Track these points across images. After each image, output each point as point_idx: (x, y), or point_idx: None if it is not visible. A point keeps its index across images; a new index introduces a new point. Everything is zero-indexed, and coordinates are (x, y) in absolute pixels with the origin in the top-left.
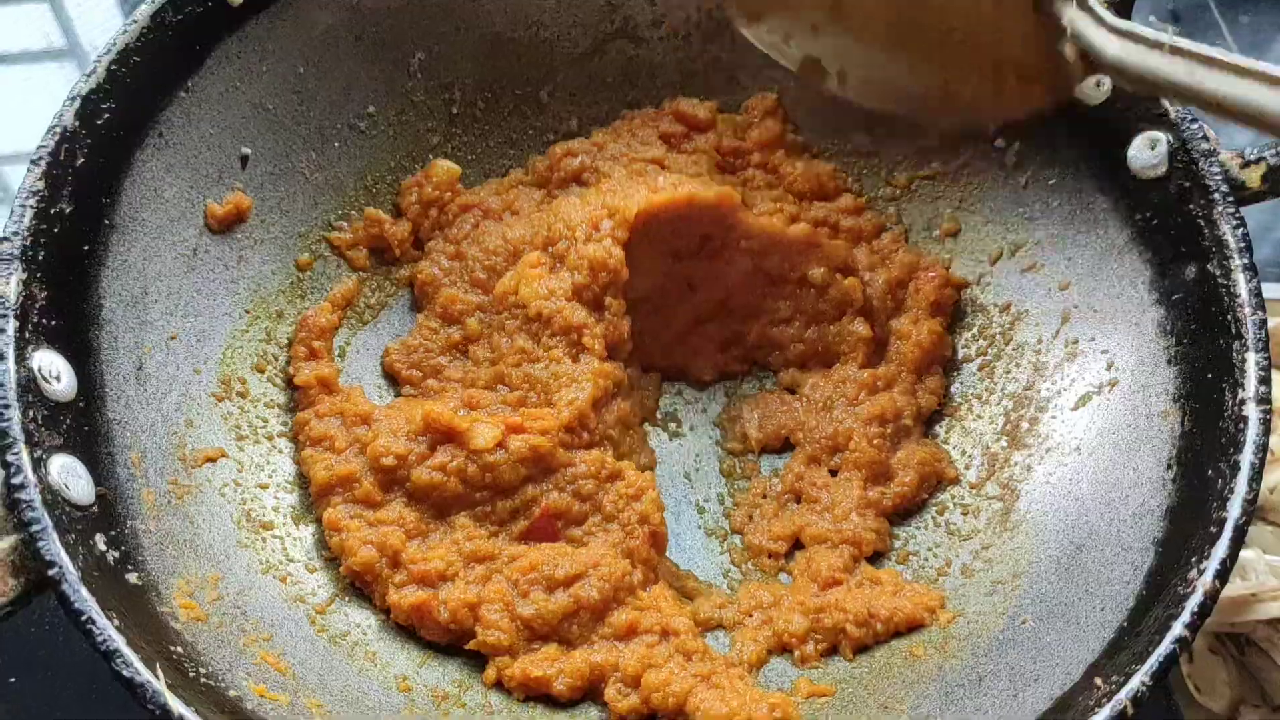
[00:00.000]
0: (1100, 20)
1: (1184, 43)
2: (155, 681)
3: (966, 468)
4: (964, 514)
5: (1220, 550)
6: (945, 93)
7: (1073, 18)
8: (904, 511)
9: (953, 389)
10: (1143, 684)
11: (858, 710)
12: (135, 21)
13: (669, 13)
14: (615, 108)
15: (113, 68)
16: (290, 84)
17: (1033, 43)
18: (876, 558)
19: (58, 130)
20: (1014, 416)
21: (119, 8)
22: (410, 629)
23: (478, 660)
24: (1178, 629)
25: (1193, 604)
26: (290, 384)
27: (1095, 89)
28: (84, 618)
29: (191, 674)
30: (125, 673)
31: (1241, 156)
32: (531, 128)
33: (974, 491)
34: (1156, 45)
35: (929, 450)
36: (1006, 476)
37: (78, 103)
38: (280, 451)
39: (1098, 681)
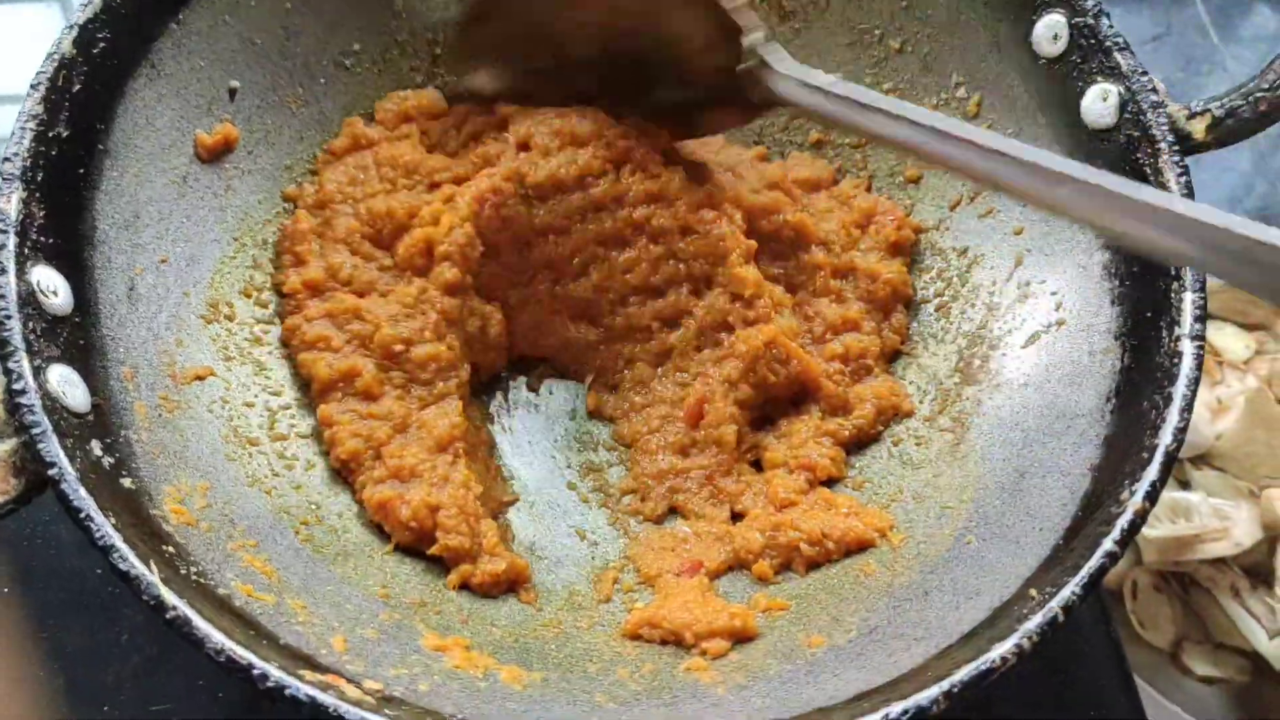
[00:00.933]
0: (771, 69)
1: (842, 88)
2: (150, 575)
3: (921, 402)
4: (917, 445)
5: (1151, 474)
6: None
7: (748, 64)
8: (861, 441)
9: (911, 328)
10: (1074, 594)
11: (810, 622)
12: None
13: None
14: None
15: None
16: (278, 19)
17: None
18: (832, 484)
19: (56, 57)
20: (967, 354)
21: None
22: (385, 535)
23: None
24: (1108, 544)
25: (1123, 522)
26: (280, 295)
27: (1052, 42)
28: (82, 514)
29: (183, 571)
30: (121, 566)
31: (1188, 108)
32: None
33: (927, 424)
34: (818, 90)
35: (887, 385)
36: (958, 410)
37: (75, 31)
38: (266, 370)
39: (1032, 593)
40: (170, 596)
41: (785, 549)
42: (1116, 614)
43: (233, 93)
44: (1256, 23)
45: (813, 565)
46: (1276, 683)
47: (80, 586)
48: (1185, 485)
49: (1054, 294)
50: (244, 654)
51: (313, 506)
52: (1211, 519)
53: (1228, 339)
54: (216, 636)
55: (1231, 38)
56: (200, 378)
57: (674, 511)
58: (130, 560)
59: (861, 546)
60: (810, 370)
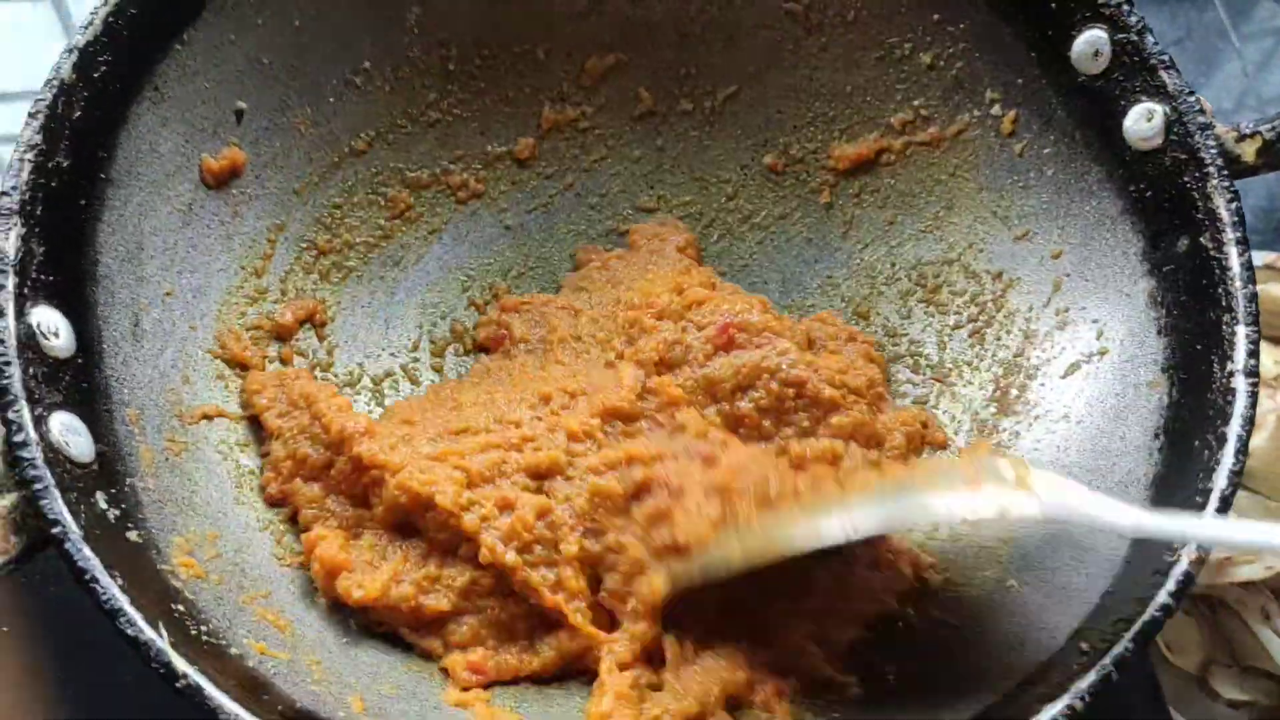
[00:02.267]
0: None
1: None
2: (159, 640)
3: (955, 434)
4: None
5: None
6: None
7: None
8: None
9: (943, 355)
10: (1127, 649)
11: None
12: None
13: None
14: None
15: (109, 20)
16: (286, 38)
17: None
18: None
19: (55, 83)
20: (1003, 383)
21: None
22: None
23: None
24: (1163, 596)
25: (1178, 573)
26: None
27: (1093, 59)
28: (88, 576)
29: (193, 632)
30: (130, 631)
31: (1237, 130)
32: (528, 86)
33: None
34: None
35: (910, 413)
36: (995, 443)
37: (75, 55)
38: None
39: (1083, 645)
40: (181, 663)
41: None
42: None
43: (239, 115)
44: (1262, 17)
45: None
46: None
47: (86, 622)
48: None
49: (1095, 322)
50: None
51: None
52: None
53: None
54: (230, 706)
55: (1253, 43)
56: (208, 417)
57: None
58: (139, 625)
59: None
60: None
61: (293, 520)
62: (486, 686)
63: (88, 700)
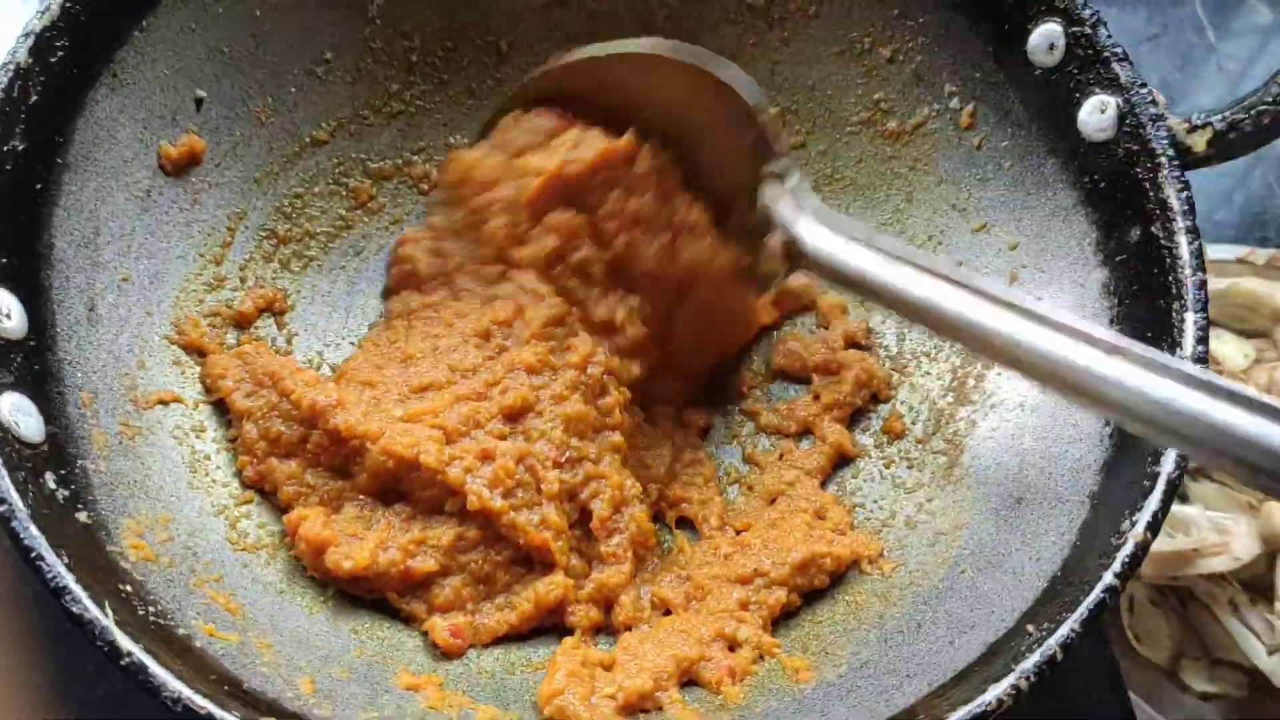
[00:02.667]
0: (804, 210)
1: (883, 240)
2: (103, 619)
3: (913, 423)
4: (910, 467)
5: (1153, 503)
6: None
7: (780, 210)
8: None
9: (903, 346)
10: (1072, 630)
11: (803, 656)
12: None
13: None
14: None
15: (66, 4)
16: (246, 27)
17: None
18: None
19: (11, 67)
20: (961, 373)
21: None
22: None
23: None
24: (1108, 578)
25: (1124, 554)
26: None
27: (1048, 52)
28: (33, 554)
29: (140, 612)
30: (74, 609)
31: (1189, 122)
32: (491, 78)
33: (920, 446)
34: (856, 239)
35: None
36: (952, 431)
37: (31, 39)
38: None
39: (1030, 628)
40: (125, 641)
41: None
42: (1112, 630)
43: (199, 103)
44: (1251, 19)
45: (805, 594)
46: (1275, 698)
47: (46, 612)
48: (1183, 499)
49: None
50: (203, 703)
51: (281, 537)
52: (1210, 533)
53: (1226, 347)
54: (174, 684)
55: (1227, 35)
56: (164, 402)
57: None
58: (84, 603)
59: (843, 568)
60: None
61: (269, 498)
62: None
63: (50, 690)
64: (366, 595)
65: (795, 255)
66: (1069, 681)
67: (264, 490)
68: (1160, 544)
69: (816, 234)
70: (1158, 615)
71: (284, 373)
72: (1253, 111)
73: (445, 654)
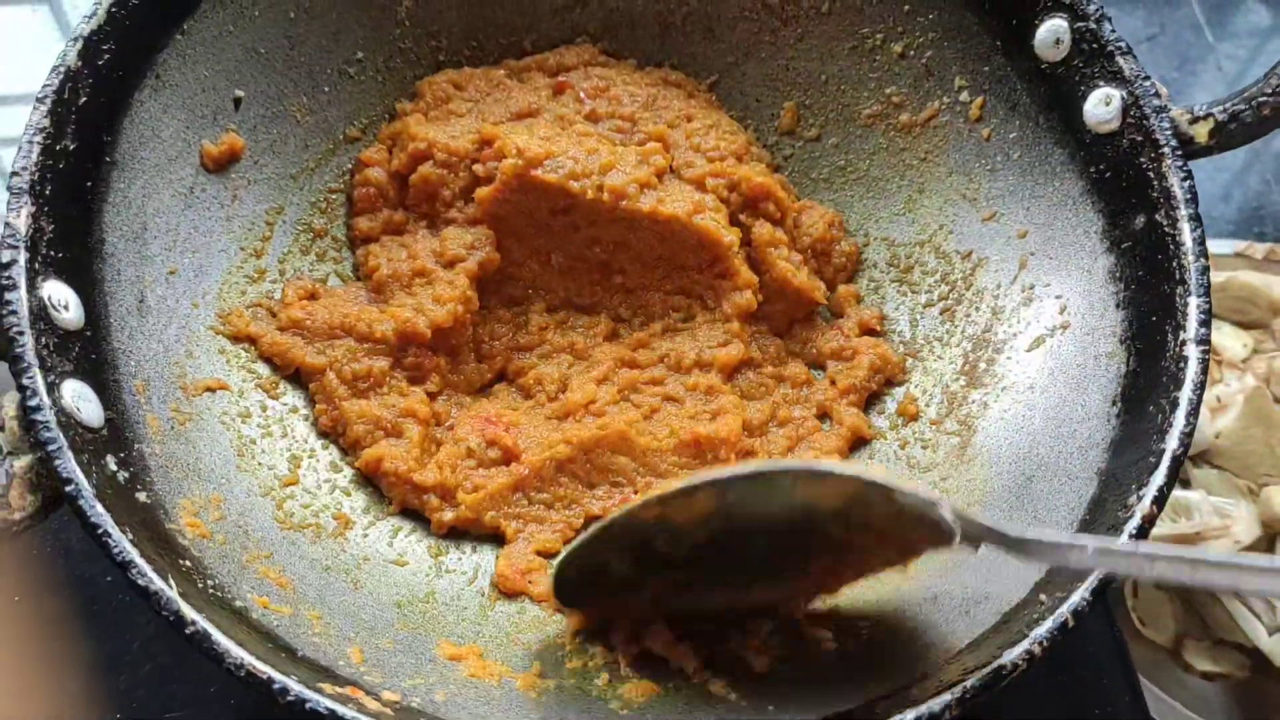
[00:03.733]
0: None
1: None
2: (169, 590)
3: (927, 405)
4: (924, 448)
5: (1158, 479)
6: None
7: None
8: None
9: (916, 332)
10: (1083, 599)
11: (825, 626)
12: None
13: None
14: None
15: (112, 9)
16: (281, 28)
17: None
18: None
19: (61, 70)
20: (972, 357)
21: None
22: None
23: (459, 571)
24: None
25: (1131, 527)
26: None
27: (1054, 46)
28: (100, 531)
29: (200, 585)
30: (140, 582)
31: (1191, 112)
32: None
33: (934, 427)
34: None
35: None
36: (964, 413)
37: (80, 43)
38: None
39: (1042, 597)
40: (190, 611)
41: None
42: (1118, 611)
43: (238, 102)
44: (1251, 19)
45: None
46: (1277, 679)
47: (91, 594)
48: (1185, 484)
49: (1058, 298)
50: (264, 668)
51: (324, 514)
52: (1211, 517)
53: (1226, 338)
54: (236, 651)
55: (1225, 35)
56: (210, 389)
57: None
58: (149, 576)
59: None
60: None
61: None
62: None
63: (96, 668)
64: (451, 514)
65: None
66: (1080, 663)
67: (336, 436)
68: (1163, 528)
69: None
70: (1161, 598)
71: (351, 313)
72: (1253, 103)
73: (504, 589)
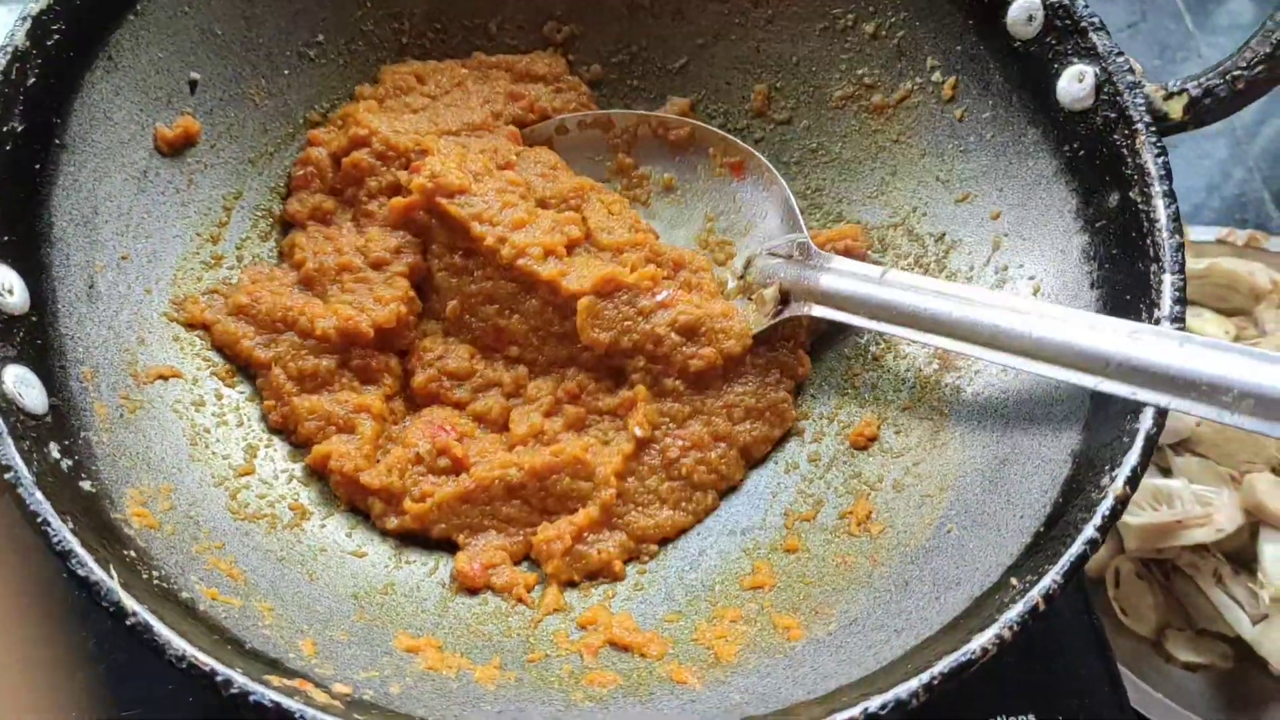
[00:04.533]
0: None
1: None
2: (109, 580)
3: (900, 390)
4: (897, 433)
5: (1132, 459)
6: None
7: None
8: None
9: None
10: (1054, 582)
11: (794, 614)
12: None
13: None
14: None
15: None
16: (239, 9)
17: None
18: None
19: (9, 50)
20: None
21: None
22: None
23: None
24: (1089, 531)
25: (1104, 508)
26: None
27: (1027, 24)
28: (39, 519)
29: (144, 576)
30: (80, 572)
31: (1165, 88)
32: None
33: (907, 412)
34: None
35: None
36: (937, 398)
37: (28, 23)
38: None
39: (1014, 581)
40: (130, 602)
41: None
42: (1098, 602)
43: (193, 85)
44: (1233, 9)
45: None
46: (1259, 669)
47: (47, 592)
48: (1167, 472)
49: (1032, 278)
50: (206, 660)
51: (280, 505)
52: (1193, 505)
53: (1206, 325)
54: (178, 643)
55: (1206, 25)
56: (163, 377)
57: None
58: (89, 565)
59: None
60: None
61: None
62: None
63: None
64: (395, 521)
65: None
66: (1059, 655)
67: (287, 431)
68: (1145, 517)
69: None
70: (1143, 588)
71: (294, 306)
72: (1228, 77)
73: (465, 584)
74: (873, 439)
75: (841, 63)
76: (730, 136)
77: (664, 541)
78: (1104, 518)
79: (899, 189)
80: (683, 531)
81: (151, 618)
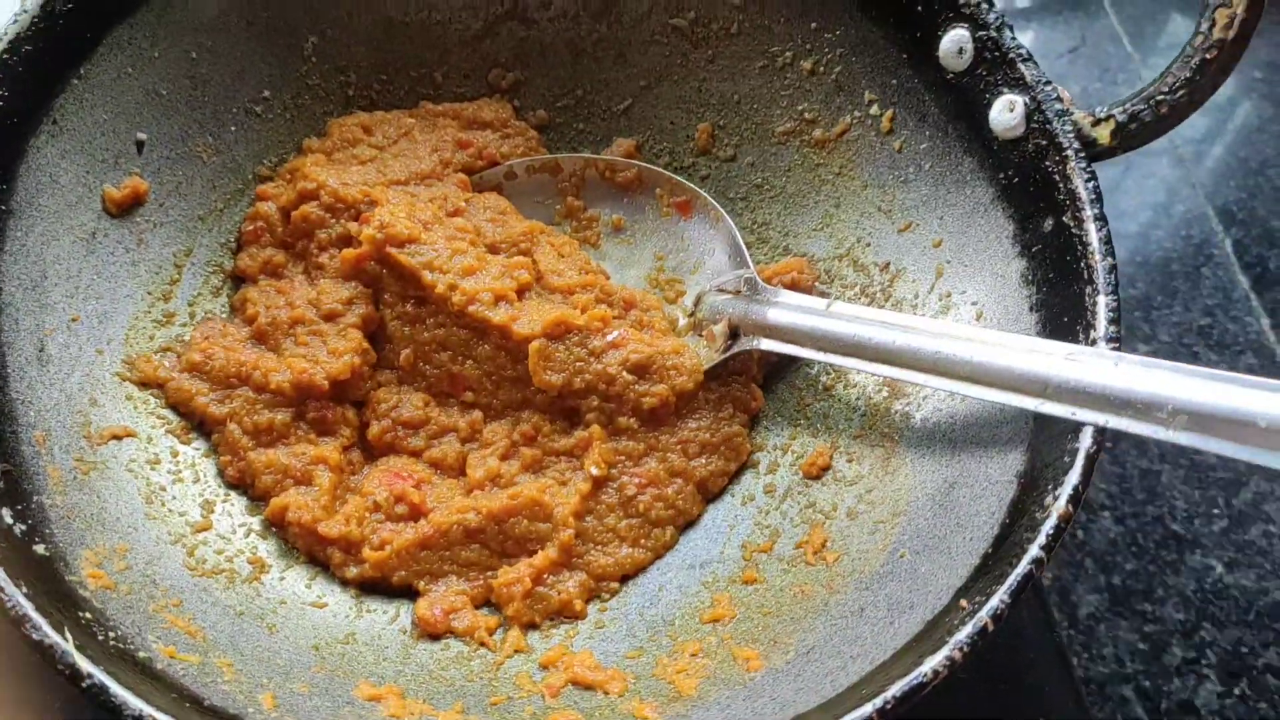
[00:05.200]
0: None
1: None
2: (64, 644)
3: (850, 419)
4: (850, 461)
5: (1073, 477)
6: None
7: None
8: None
9: None
10: (1002, 602)
11: (753, 645)
12: (25, 11)
13: None
14: (509, 90)
15: (4, 57)
16: (183, 69)
17: None
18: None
19: None
20: None
21: None
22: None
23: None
24: (1034, 550)
25: (1048, 527)
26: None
27: (957, 56)
28: None
29: (100, 637)
30: (35, 636)
31: (1093, 115)
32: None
33: (858, 440)
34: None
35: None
36: (887, 425)
37: None
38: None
39: (963, 603)
40: (85, 664)
41: None
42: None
43: (140, 145)
44: (1171, 31)
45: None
46: None
47: (12, 654)
48: None
49: (974, 304)
50: (163, 718)
51: (239, 559)
52: None
53: None
54: (135, 703)
55: (1145, 47)
56: (117, 437)
57: None
58: (44, 630)
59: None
60: None
61: (247, 493)
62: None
63: None
64: (355, 570)
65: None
66: (1023, 674)
67: (244, 486)
68: None
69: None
70: None
71: (248, 363)
72: (1151, 102)
73: (426, 631)
74: (826, 468)
75: (782, 99)
76: (676, 176)
77: (624, 579)
78: (1048, 536)
79: (843, 220)
80: (642, 568)
81: (108, 679)
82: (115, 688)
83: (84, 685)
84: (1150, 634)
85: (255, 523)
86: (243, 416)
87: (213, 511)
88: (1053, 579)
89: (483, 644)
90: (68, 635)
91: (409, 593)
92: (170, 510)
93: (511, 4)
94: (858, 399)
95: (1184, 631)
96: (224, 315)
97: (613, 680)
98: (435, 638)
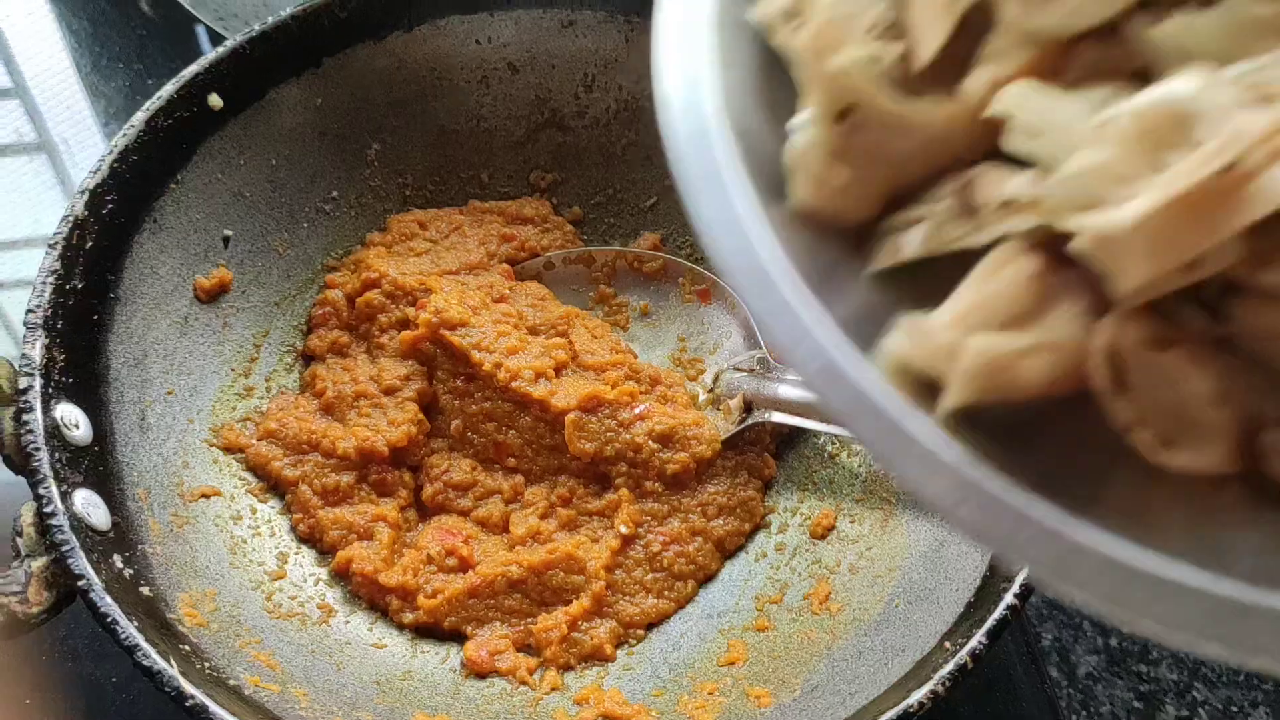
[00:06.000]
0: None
1: None
2: (170, 669)
3: (852, 485)
4: (852, 522)
5: None
6: None
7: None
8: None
9: None
10: (980, 643)
11: (764, 685)
12: (133, 126)
13: (591, 105)
14: (547, 189)
15: (114, 165)
16: (264, 174)
17: None
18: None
19: (70, 219)
20: None
21: (87, 100)
22: (375, 631)
23: (433, 651)
24: (1008, 598)
25: (1021, 578)
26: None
27: None
28: (109, 619)
29: (198, 666)
30: (145, 663)
31: None
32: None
33: (860, 504)
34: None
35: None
36: (886, 489)
37: (86, 196)
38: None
39: (947, 645)
40: (189, 687)
41: None
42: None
43: (226, 240)
44: None
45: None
46: None
47: (99, 695)
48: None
49: None
50: None
51: (309, 604)
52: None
53: None
54: None
55: None
56: (205, 496)
57: None
58: (153, 657)
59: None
60: None
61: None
62: (483, 676)
63: None
64: (411, 616)
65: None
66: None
67: (314, 540)
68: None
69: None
70: (1179, 371)
71: (318, 431)
72: None
73: (474, 670)
74: (831, 528)
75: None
76: (697, 266)
77: (649, 626)
78: (1022, 586)
79: None
80: (666, 617)
81: (207, 699)
82: (214, 707)
83: (187, 705)
84: (1145, 693)
85: (324, 573)
86: (313, 479)
87: (287, 562)
88: (1053, 640)
89: (524, 682)
90: (172, 662)
91: (458, 636)
92: (251, 560)
93: (550, 114)
94: (859, 466)
95: (1177, 691)
96: (296, 389)
97: (639, 715)
98: (482, 676)
